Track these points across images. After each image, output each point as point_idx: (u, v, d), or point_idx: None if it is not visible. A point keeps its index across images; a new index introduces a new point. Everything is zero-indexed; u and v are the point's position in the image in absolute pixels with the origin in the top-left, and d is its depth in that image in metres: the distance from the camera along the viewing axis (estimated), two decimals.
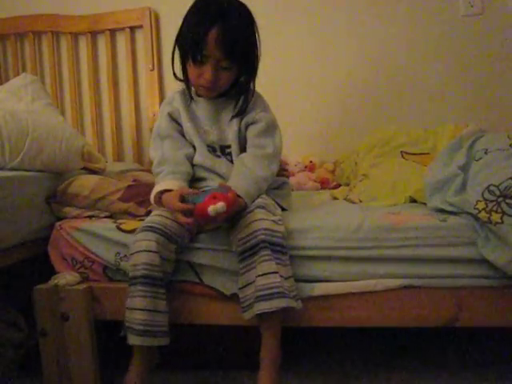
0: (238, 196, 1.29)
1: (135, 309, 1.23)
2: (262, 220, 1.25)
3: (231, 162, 1.48)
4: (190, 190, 1.31)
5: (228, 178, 1.41)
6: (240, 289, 1.26)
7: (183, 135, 1.51)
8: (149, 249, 1.25)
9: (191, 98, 1.50)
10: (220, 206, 1.15)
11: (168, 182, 1.36)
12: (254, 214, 1.27)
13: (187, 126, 1.49)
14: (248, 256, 1.24)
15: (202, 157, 1.48)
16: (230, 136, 1.48)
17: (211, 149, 1.50)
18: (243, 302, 1.25)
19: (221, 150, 1.50)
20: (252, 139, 1.47)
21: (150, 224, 1.29)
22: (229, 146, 1.49)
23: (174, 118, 1.51)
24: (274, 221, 1.27)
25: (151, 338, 1.23)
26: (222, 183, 1.32)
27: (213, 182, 1.46)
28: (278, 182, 1.53)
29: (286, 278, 1.22)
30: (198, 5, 1.39)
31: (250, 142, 1.47)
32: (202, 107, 1.49)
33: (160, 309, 1.25)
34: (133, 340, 1.23)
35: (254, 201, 1.34)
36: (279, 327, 1.25)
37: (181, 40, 1.41)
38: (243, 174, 1.38)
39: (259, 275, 1.20)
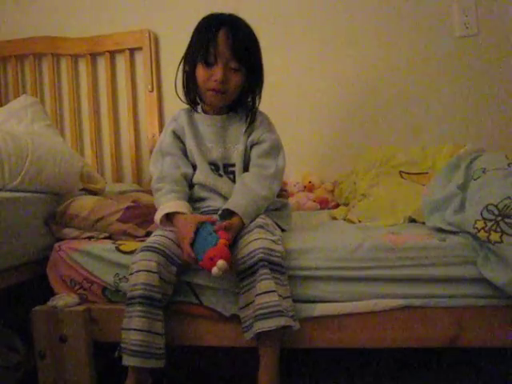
0: (236, 214, 1.31)
1: (132, 329, 1.22)
2: (260, 239, 1.25)
3: (233, 181, 1.49)
4: (204, 218, 1.31)
5: (229, 197, 1.42)
6: (241, 309, 1.25)
7: (185, 154, 1.52)
8: (148, 269, 1.24)
9: (195, 110, 1.53)
10: (221, 264, 1.15)
11: (173, 202, 1.37)
12: (253, 234, 1.28)
13: (190, 143, 1.50)
14: (247, 275, 1.23)
15: (203, 175, 1.48)
16: (235, 155, 1.49)
17: (213, 167, 1.50)
18: (244, 322, 1.24)
19: (224, 169, 1.50)
20: (255, 159, 1.48)
21: (151, 244, 1.29)
22: (233, 165, 1.50)
23: (177, 136, 1.53)
24: (272, 240, 1.27)
25: (147, 360, 1.21)
26: (215, 220, 1.32)
27: (214, 202, 1.47)
28: (278, 204, 1.53)
29: (284, 298, 1.22)
30: (205, 18, 1.46)
31: (253, 161, 1.48)
32: (207, 124, 1.51)
33: (157, 331, 1.23)
34: (128, 361, 1.21)
35: (252, 220, 1.35)
36: (278, 347, 1.24)
37: (191, 49, 1.46)
38: (243, 193, 1.39)
39: (258, 294, 1.20)
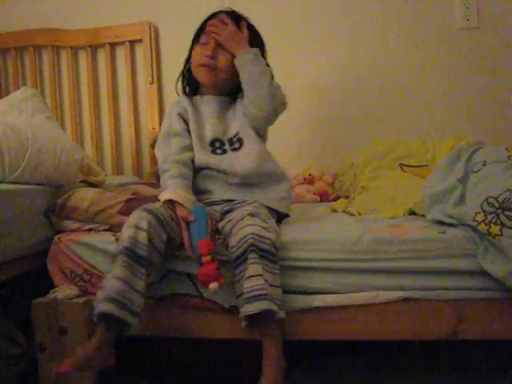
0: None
1: (111, 277, 1.20)
2: (250, 226, 1.25)
3: (238, 148, 1.51)
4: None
5: (234, 173, 1.47)
6: (237, 297, 1.24)
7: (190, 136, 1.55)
8: (138, 226, 1.25)
9: (193, 92, 1.59)
10: (213, 286, 1.19)
11: (176, 189, 1.39)
12: (244, 221, 1.27)
13: (192, 126, 1.54)
14: (240, 263, 1.23)
15: (204, 156, 1.50)
16: (235, 126, 1.53)
17: (218, 143, 1.53)
18: (240, 312, 1.22)
19: (229, 142, 1.53)
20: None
21: (146, 206, 1.31)
22: (236, 135, 1.53)
23: (183, 118, 1.56)
24: (263, 227, 1.26)
25: (119, 310, 1.17)
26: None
27: (216, 195, 1.49)
28: (279, 172, 1.54)
29: (272, 286, 1.20)
30: None
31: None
32: (207, 103, 1.56)
33: (136, 287, 1.21)
34: (101, 306, 1.16)
35: (252, 60, 1.46)
36: (279, 335, 1.23)
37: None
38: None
39: (246, 278, 1.19)
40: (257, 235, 1.23)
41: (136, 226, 1.25)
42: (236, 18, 1.53)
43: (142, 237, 1.24)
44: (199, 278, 1.21)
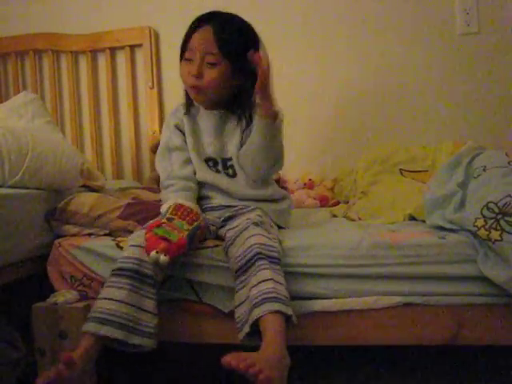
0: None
1: (116, 300, 1.16)
2: (256, 235, 1.24)
3: (231, 176, 1.49)
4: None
5: (230, 192, 1.45)
6: (236, 307, 1.21)
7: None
8: (142, 245, 1.23)
9: (189, 108, 1.53)
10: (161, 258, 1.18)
11: (179, 200, 1.37)
12: (249, 231, 1.26)
13: (189, 140, 1.51)
14: (242, 272, 1.21)
15: (201, 172, 1.49)
16: (231, 148, 1.49)
17: (211, 163, 1.51)
18: (238, 322, 1.19)
19: (222, 164, 1.50)
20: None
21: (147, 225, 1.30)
22: (230, 159, 1.49)
23: (180, 129, 1.53)
24: (268, 237, 1.25)
25: (130, 334, 1.15)
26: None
27: (215, 200, 1.49)
28: (278, 195, 1.53)
29: (282, 284, 1.17)
30: None
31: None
32: (205, 119, 1.51)
33: (146, 308, 1.20)
34: (108, 331, 1.13)
35: (274, 134, 1.38)
36: (283, 330, 1.10)
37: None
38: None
39: (254, 285, 1.15)
40: (263, 244, 1.21)
41: (139, 245, 1.24)
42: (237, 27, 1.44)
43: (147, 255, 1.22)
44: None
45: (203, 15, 1.44)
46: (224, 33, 1.40)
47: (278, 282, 1.16)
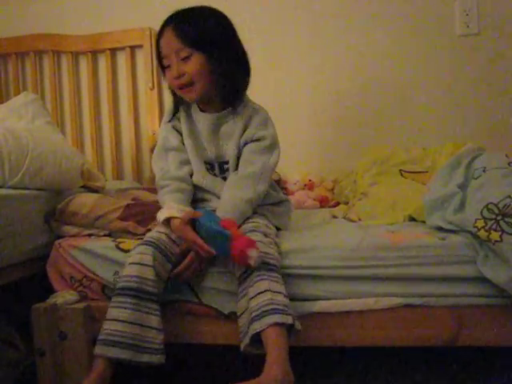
0: None
1: (121, 321, 1.18)
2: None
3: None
4: (192, 213, 1.31)
5: None
6: (238, 316, 1.22)
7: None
8: (144, 262, 1.23)
9: (176, 112, 1.52)
10: (255, 253, 1.16)
11: (174, 206, 1.36)
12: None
13: (187, 141, 1.50)
14: (243, 279, 1.21)
15: (199, 175, 1.48)
16: (228, 152, 1.48)
17: (209, 166, 1.50)
18: (240, 332, 1.19)
19: (219, 168, 1.50)
20: (245, 154, 1.46)
21: (148, 239, 1.29)
22: (227, 163, 1.49)
23: (177, 130, 1.52)
24: (264, 243, 1.25)
25: (138, 354, 1.17)
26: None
27: (210, 203, 1.47)
28: (276, 200, 1.53)
29: (281, 293, 1.17)
30: None
31: (242, 157, 1.46)
32: (202, 122, 1.49)
33: (151, 324, 1.21)
34: (116, 352, 1.15)
35: (241, 222, 1.35)
36: (285, 342, 1.12)
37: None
38: (225, 201, 1.38)
39: (252, 297, 1.16)
40: (261, 252, 1.20)
41: (140, 263, 1.23)
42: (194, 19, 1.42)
43: (149, 273, 1.22)
44: (236, 253, 1.16)
45: (164, 20, 1.44)
46: (183, 27, 1.39)
47: (275, 292, 1.16)
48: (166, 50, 1.40)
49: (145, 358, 1.18)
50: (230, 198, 1.38)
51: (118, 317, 1.19)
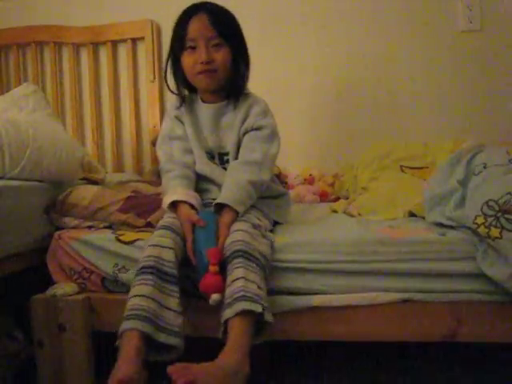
0: (229, 206, 1.31)
1: (142, 295, 1.14)
2: (239, 231, 1.25)
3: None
4: (196, 219, 1.30)
5: None
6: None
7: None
8: (162, 244, 1.23)
9: (183, 101, 1.52)
10: (215, 297, 1.17)
11: (181, 189, 1.38)
12: (234, 225, 1.28)
13: (189, 131, 1.51)
14: (227, 264, 1.21)
15: (201, 164, 1.49)
16: (229, 142, 1.49)
17: (210, 156, 1.51)
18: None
19: (219, 158, 1.51)
20: (246, 142, 1.47)
21: (168, 224, 1.30)
22: (227, 153, 1.50)
23: (180, 121, 1.53)
24: (251, 234, 1.25)
25: (158, 332, 1.12)
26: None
27: (211, 194, 1.48)
28: (275, 193, 1.53)
29: (254, 283, 1.15)
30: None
31: (243, 145, 1.47)
32: (204, 112, 1.51)
33: (170, 306, 1.17)
34: (131, 323, 1.09)
35: (247, 206, 1.35)
36: (247, 331, 1.10)
37: (173, 44, 1.47)
38: (229, 184, 1.38)
39: (228, 285, 1.16)
40: (244, 242, 1.21)
41: (159, 245, 1.23)
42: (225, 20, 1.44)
43: (168, 255, 1.22)
44: (201, 286, 1.19)
45: (194, 4, 1.45)
46: (219, 17, 1.42)
47: (249, 281, 1.15)
48: (195, 34, 1.40)
49: (162, 337, 1.13)
50: (234, 180, 1.38)
51: (138, 292, 1.16)
